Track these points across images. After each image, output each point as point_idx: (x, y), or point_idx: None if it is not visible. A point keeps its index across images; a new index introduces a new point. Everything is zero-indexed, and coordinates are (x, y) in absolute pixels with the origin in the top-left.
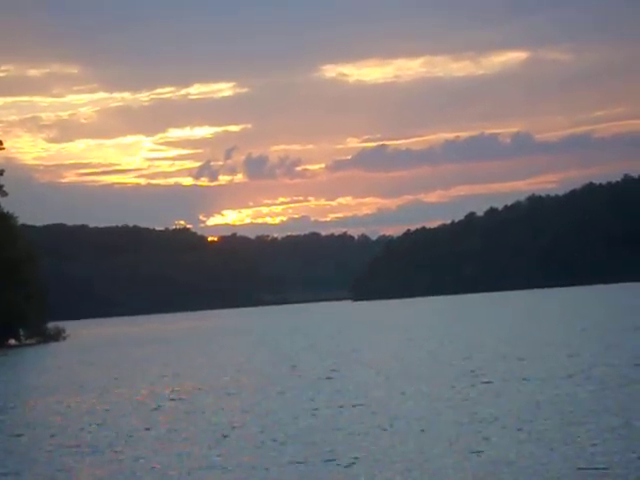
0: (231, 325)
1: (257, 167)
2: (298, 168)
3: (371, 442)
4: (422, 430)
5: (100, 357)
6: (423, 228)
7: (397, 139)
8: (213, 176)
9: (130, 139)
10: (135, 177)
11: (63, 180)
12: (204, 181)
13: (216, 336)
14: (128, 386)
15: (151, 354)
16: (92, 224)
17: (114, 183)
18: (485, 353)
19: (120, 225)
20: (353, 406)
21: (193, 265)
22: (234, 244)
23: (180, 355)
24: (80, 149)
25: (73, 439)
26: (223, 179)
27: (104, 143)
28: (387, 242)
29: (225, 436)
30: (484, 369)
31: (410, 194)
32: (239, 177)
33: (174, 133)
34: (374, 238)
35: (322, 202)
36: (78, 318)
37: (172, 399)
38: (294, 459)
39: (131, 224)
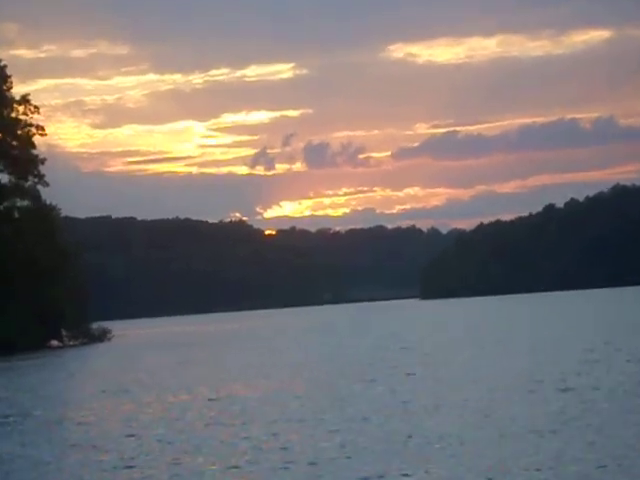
0: (290, 325)
1: (318, 155)
2: (362, 156)
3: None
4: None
5: (149, 359)
6: (497, 221)
7: (469, 124)
8: (270, 165)
9: (181, 125)
10: (186, 166)
11: (109, 169)
12: (260, 170)
13: (263, 340)
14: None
15: (208, 356)
16: (140, 216)
17: (164, 172)
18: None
19: (171, 218)
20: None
21: (249, 260)
22: (293, 238)
23: (241, 359)
24: (127, 135)
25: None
26: (281, 168)
27: (153, 129)
28: (458, 236)
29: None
30: None
31: (483, 184)
32: (298, 166)
33: (228, 118)
34: (444, 232)
35: (388, 193)
36: (124, 318)
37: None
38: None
39: (182, 216)
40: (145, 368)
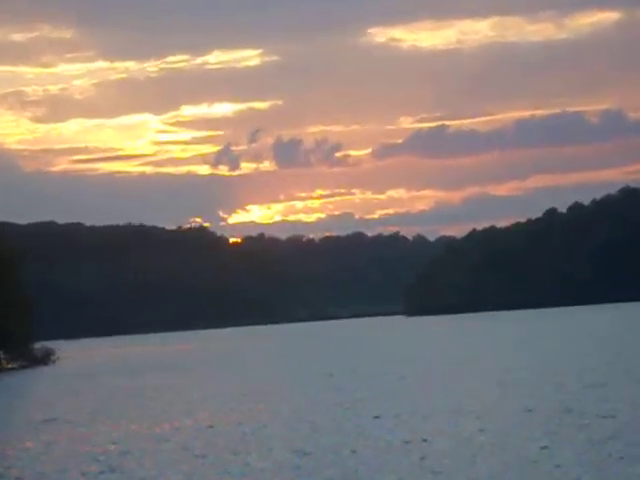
0: (258, 347)
1: (289, 153)
2: (339, 154)
3: None
4: None
5: (89, 386)
6: (492, 227)
7: (460, 118)
8: (235, 164)
9: (135, 119)
10: (140, 165)
11: (53, 168)
12: (224, 170)
13: (230, 364)
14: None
15: (168, 384)
16: (88, 222)
17: (115, 172)
18: None
19: (122, 224)
20: None
21: (212, 273)
22: (261, 247)
23: (198, 386)
24: (74, 131)
25: None
26: (247, 167)
27: (103, 123)
28: (447, 244)
29: None
30: None
31: (476, 186)
32: (267, 165)
33: (188, 111)
34: (432, 239)
35: (368, 196)
36: (71, 337)
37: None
38: None
39: (136, 222)
40: (86, 396)
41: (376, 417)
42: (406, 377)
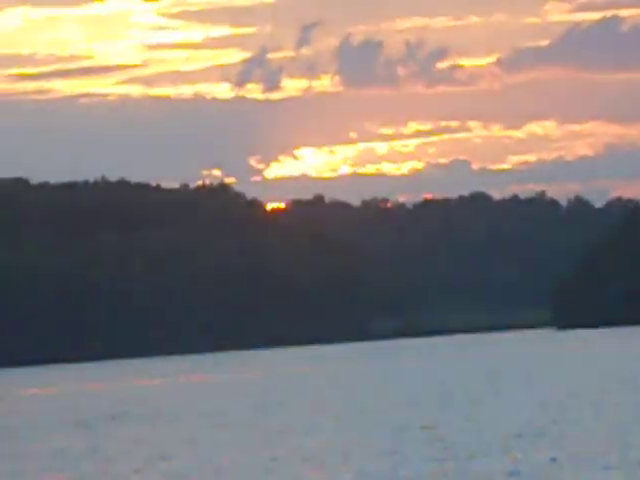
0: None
1: (363, 62)
2: (444, 64)
3: None
4: None
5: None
6: None
7: None
8: (274, 81)
9: (112, 6)
10: (120, 83)
11: None
12: (257, 91)
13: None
14: None
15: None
16: (36, 178)
17: (81, 95)
18: None
19: (92, 180)
20: None
21: (236, 257)
22: (320, 217)
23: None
24: (13, 28)
25: None
26: (294, 87)
27: (59, 15)
28: (630, 212)
29: None
30: None
31: None
32: (327, 83)
33: None
34: (599, 204)
35: (495, 133)
36: (11, 365)
37: None
38: None
39: (114, 177)
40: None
41: None
42: None
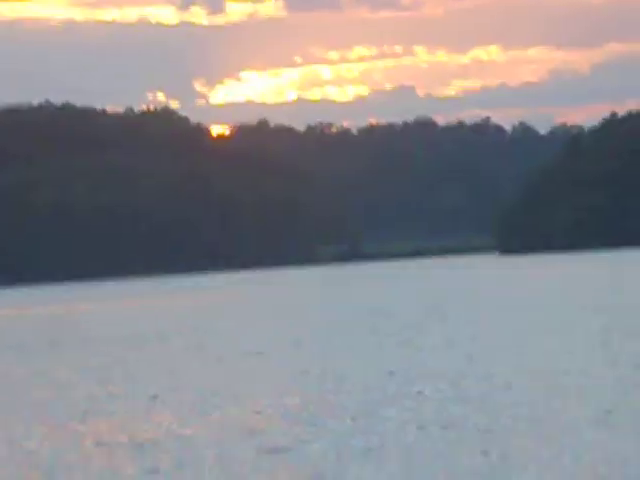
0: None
1: None
2: None
3: None
4: None
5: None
6: None
7: None
8: (218, 4)
9: None
10: (64, 5)
11: None
12: (201, 14)
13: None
14: None
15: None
16: None
17: (24, 19)
18: None
19: (35, 104)
20: None
21: (181, 185)
22: (263, 142)
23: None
24: None
25: None
26: (238, 10)
27: None
28: (571, 139)
29: None
30: None
31: (618, 40)
32: (270, 5)
33: None
34: (543, 131)
35: (440, 57)
36: None
37: None
38: None
39: (58, 101)
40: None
41: None
42: None
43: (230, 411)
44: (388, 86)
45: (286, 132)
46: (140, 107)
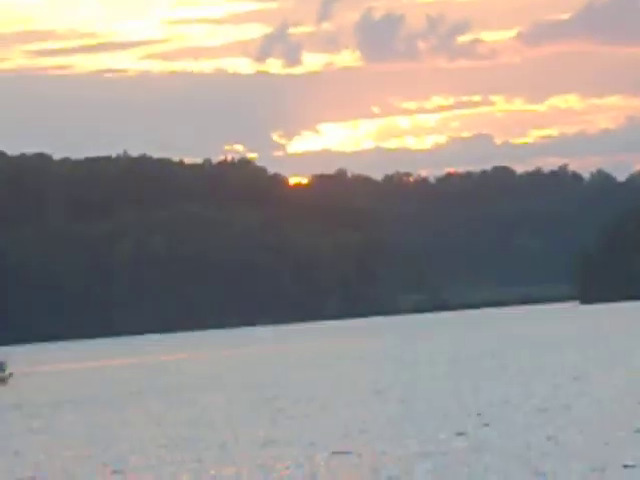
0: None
1: (384, 37)
2: (466, 38)
3: None
4: None
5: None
6: None
7: None
8: (295, 56)
9: None
10: (142, 58)
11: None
12: (277, 66)
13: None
14: None
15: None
16: (59, 153)
17: (102, 71)
18: None
19: (115, 155)
20: None
21: (258, 236)
22: (342, 191)
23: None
24: (32, 4)
25: None
26: (315, 62)
27: None
28: None
29: None
30: None
31: None
32: (348, 57)
33: None
34: (622, 178)
35: (517, 106)
36: (34, 341)
37: None
38: None
39: (135, 153)
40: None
41: None
42: None
43: None
44: (465, 134)
45: (364, 181)
46: (218, 158)
